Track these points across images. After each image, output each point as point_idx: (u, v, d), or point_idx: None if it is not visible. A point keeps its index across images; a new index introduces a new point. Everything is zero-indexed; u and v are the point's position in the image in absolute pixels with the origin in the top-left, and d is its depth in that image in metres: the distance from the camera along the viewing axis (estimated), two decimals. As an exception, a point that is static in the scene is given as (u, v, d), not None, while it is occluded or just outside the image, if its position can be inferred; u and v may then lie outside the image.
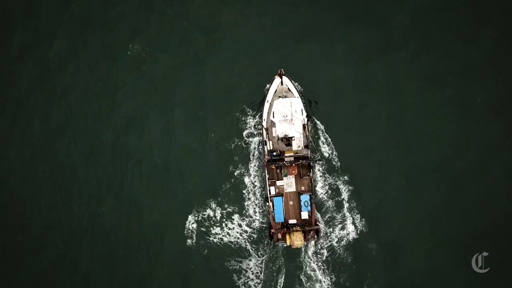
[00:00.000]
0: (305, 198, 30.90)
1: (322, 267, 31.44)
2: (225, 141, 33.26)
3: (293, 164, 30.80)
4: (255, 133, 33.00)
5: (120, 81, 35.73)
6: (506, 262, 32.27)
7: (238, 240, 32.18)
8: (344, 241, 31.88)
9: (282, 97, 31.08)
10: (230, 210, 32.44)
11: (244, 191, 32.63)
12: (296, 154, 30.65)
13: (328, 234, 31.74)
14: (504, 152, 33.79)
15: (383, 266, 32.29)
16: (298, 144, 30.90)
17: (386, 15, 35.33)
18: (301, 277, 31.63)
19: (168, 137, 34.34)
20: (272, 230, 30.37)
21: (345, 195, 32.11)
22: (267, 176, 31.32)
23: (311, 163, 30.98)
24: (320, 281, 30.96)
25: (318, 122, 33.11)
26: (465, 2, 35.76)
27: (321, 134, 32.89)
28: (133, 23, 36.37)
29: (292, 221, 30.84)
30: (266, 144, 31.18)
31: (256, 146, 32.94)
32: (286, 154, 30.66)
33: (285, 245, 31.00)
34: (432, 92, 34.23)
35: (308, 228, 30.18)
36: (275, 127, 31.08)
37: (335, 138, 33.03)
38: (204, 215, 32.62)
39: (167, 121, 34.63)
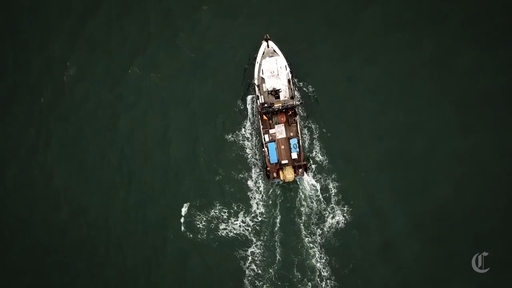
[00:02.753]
0: (293, 141, 36.80)
1: (317, 248, 35.88)
2: (227, 151, 37.92)
3: (282, 112, 36.93)
4: (250, 144, 38.08)
5: (123, 96, 39.65)
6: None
7: (244, 233, 36.50)
8: (337, 228, 35.89)
9: (269, 57, 37.22)
10: (236, 208, 36.95)
11: (249, 193, 37.15)
12: (284, 104, 36.75)
13: (320, 224, 36.24)
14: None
15: (383, 266, 34.80)
16: (284, 95, 37.00)
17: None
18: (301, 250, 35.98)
19: (173, 146, 38.64)
20: (268, 169, 36.44)
21: (333, 191, 36.55)
22: (261, 126, 37.33)
23: (297, 111, 37.00)
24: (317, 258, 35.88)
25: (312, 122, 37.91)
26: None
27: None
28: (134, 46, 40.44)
29: (284, 161, 36.72)
30: (258, 99, 37.29)
31: (253, 155, 37.84)
32: (275, 105, 36.76)
33: (280, 182, 37.01)
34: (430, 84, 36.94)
35: (297, 164, 36.20)
36: (264, 83, 37.22)
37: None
38: (213, 214, 36.96)
39: (171, 132, 38.75)
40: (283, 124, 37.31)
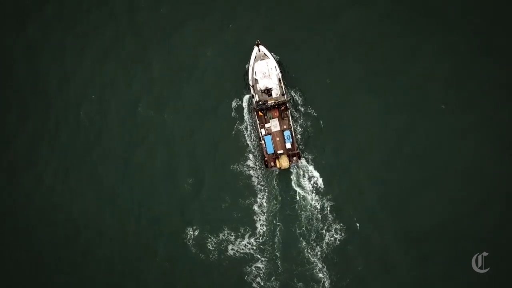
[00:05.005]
0: (287, 133, 41.33)
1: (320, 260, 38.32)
2: (236, 181, 41.07)
3: (275, 108, 41.64)
4: (255, 173, 41.31)
5: (133, 132, 42.77)
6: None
7: (250, 251, 39.20)
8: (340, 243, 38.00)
9: (260, 60, 42.22)
10: (243, 231, 39.71)
11: (254, 217, 39.75)
12: (276, 101, 41.46)
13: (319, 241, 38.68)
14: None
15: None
16: (276, 92, 41.78)
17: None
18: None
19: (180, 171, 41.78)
20: (266, 158, 40.87)
21: (329, 209, 39.15)
22: (257, 121, 41.92)
23: (288, 106, 41.67)
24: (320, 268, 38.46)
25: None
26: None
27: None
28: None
29: (280, 151, 41.17)
30: (253, 97, 42.09)
31: (258, 181, 40.82)
32: (268, 102, 41.50)
33: (276, 171, 41.31)
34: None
35: (291, 153, 40.72)
36: (258, 83, 42.06)
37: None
38: (222, 237, 39.74)
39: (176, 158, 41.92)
40: (276, 119, 41.93)
